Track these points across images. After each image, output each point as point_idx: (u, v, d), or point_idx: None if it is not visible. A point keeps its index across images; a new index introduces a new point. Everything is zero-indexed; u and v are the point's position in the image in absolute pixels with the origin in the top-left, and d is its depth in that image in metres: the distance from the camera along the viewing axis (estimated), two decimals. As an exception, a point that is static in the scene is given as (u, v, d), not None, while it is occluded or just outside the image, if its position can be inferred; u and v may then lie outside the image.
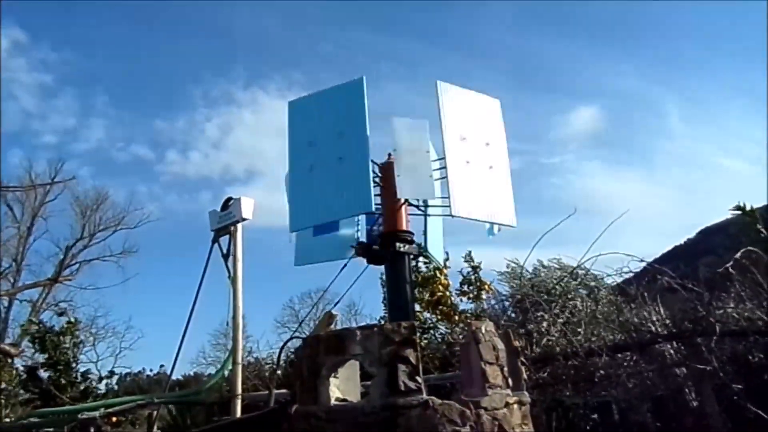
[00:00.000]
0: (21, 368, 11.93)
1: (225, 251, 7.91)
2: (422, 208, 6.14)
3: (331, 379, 4.78)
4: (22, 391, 10.84)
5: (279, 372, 7.31)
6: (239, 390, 7.25)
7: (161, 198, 44.27)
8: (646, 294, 8.50)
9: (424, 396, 4.46)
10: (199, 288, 7.94)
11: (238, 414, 7.14)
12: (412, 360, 4.54)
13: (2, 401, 9.37)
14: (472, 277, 10.77)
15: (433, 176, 5.57)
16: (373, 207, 5.38)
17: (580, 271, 9.96)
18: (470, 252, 10.76)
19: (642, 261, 8.48)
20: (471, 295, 10.80)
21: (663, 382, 7.61)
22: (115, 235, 29.73)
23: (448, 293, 10.24)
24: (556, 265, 11.12)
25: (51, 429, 8.25)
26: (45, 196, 28.81)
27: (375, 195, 5.62)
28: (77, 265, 27.40)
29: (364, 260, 6.11)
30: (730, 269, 6.97)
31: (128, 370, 26.26)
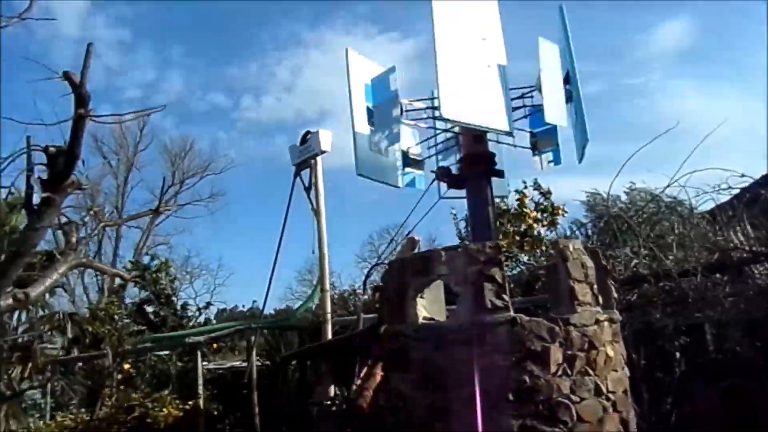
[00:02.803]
0: (130, 304, 13.12)
1: (307, 184, 8.12)
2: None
3: (418, 300, 4.89)
4: (132, 323, 11.94)
5: (365, 297, 7.58)
6: (329, 315, 7.60)
7: (239, 144, 45.52)
8: (744, 214, 7.97)
9: (512, 313, 4.49)
10: (285, 221, 8.25)
11: (329, 337, 7.51)
12: (498, 279, 4.55)
13: (117, 332, 10.30)
14: (544, 203, 10.55)
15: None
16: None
17: (667, 198, 9.47)
18: (536, 179, 10.50)
19: (743, 176, 7.87)
20: (545, 222, 10.63)
21: (761, 304, 7.23)
22: (202, 181, 31.12)
23: (535, 225, 10.09)
24: (643, 191, 10.64)
25: (163, 352, 9.12)
26: (136, 147, 30.47)
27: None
28: (173, 207, 29.02)
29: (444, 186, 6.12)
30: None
31: (223, 306, 28.08)
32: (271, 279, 8.55)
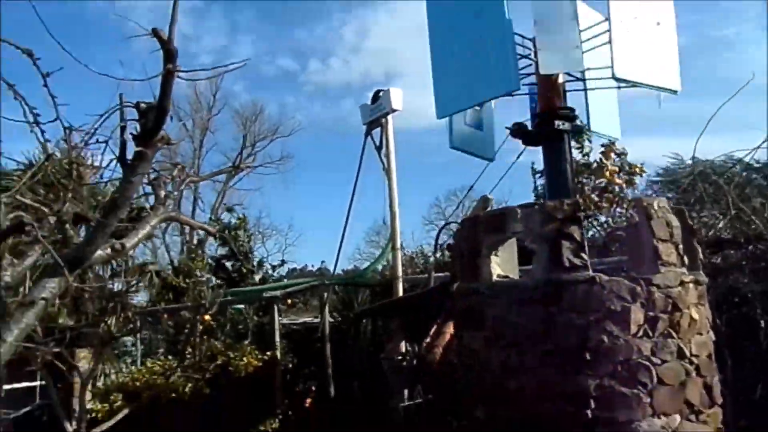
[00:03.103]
0: (210, 260, 13.78)
1: (377, 143, 8.12)
2: (580, 79, 5.68)
3: (492, 257, 4.85)
4: (213, 278, 12.57)
5: (437, 256, 7.60)
6: (400, 273, 7.69)
7: (307, 108, 45.98)
8: None
9: (590, 272, 4.38)
10: (356, 181, 8.32)
11: (400, 295, 7.61)
12: (577, 237, 4.44)
13: (198, 286, 10.86)
14: (619, 164, 10.05)
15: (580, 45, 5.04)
16: (520, 85, 5.11)
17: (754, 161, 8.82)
18: (610, 139, 9.97)
19: None
20: (622, 181, 10.16)
21: None
22: (272, 144, 31.81)
23: (617, 180, 9.61)
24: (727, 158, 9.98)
25: (240, 306, 9.59)
26: (210, 111, 31.42)
27: (525, 73, 5.39)
28: (252, 164, 29.93)
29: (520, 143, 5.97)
30: None
31: (294, 266, 28.98)
32: (342, 238, 8.75)
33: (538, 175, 10.78)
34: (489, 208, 6.28)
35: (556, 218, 4.44)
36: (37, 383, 9.03)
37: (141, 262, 9.56)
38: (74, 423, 6.74)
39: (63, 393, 7.36)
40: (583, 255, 4.40)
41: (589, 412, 4.22)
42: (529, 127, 5.72)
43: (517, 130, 5.74)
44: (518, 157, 6.28)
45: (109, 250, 3.44)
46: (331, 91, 48.87)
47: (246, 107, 32.58)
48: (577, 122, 5.75)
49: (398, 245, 7.77)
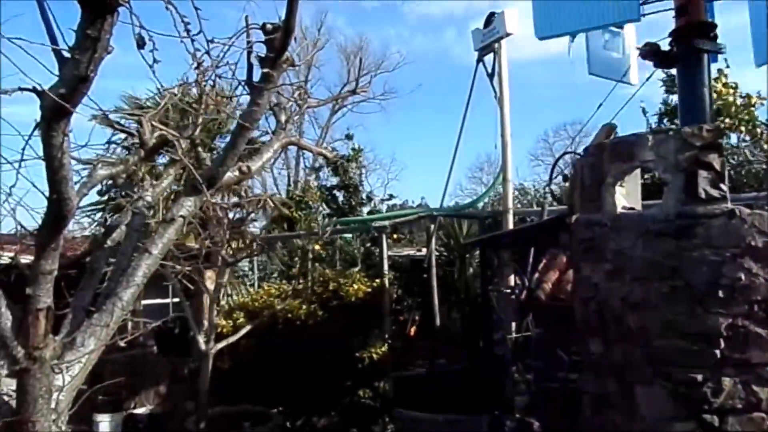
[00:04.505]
0: (322, 189, 14.23)
1: (489, 71, 7.78)
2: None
3: (617, 188, 4.57)
4: (322, 208, 13.02)
5: (551, 187, 7.31)
6: (510, 205, 7.50)
7: (408, 40, 44.97)
8: None
9: (729, 205, 4.01)
10: (466, 111, 8.09)
11: (510, 227, 7.46)
12: (716, 166, 4.06)
13: (310, 216, 11.31)
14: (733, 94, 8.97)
15: None
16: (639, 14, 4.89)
17: None
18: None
19: None
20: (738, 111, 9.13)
21: None
22: (374, 79, 31.65)
23: (731, 99, 8.63)
24: None
25: (348, 235, 9.91)
26: (314, 46, 31.60)
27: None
28: (368, 89, 30.04)
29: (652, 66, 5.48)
30: None
31: (395, 201, 29.33)
32: (451, 168, 8.68)
33: (649, 114, 10.09)
34: (612, 137, 5.90)
35: (694, 146, 4.07)
36: (169, 300, 9.97)
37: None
38: (203, 335, 7.39)
39: (193, 309, 8.07)
40: (722, 186, 4.03)
41: (717, 351, 3.98)
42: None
43: (649, 51, 5.26)
44: (642, 86, 5.83)
45: (237, 172, 3.61)
46: (434, 23, 47.39)
47: (349, 42, 32.57)
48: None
49: (509, 176, 7.53)
